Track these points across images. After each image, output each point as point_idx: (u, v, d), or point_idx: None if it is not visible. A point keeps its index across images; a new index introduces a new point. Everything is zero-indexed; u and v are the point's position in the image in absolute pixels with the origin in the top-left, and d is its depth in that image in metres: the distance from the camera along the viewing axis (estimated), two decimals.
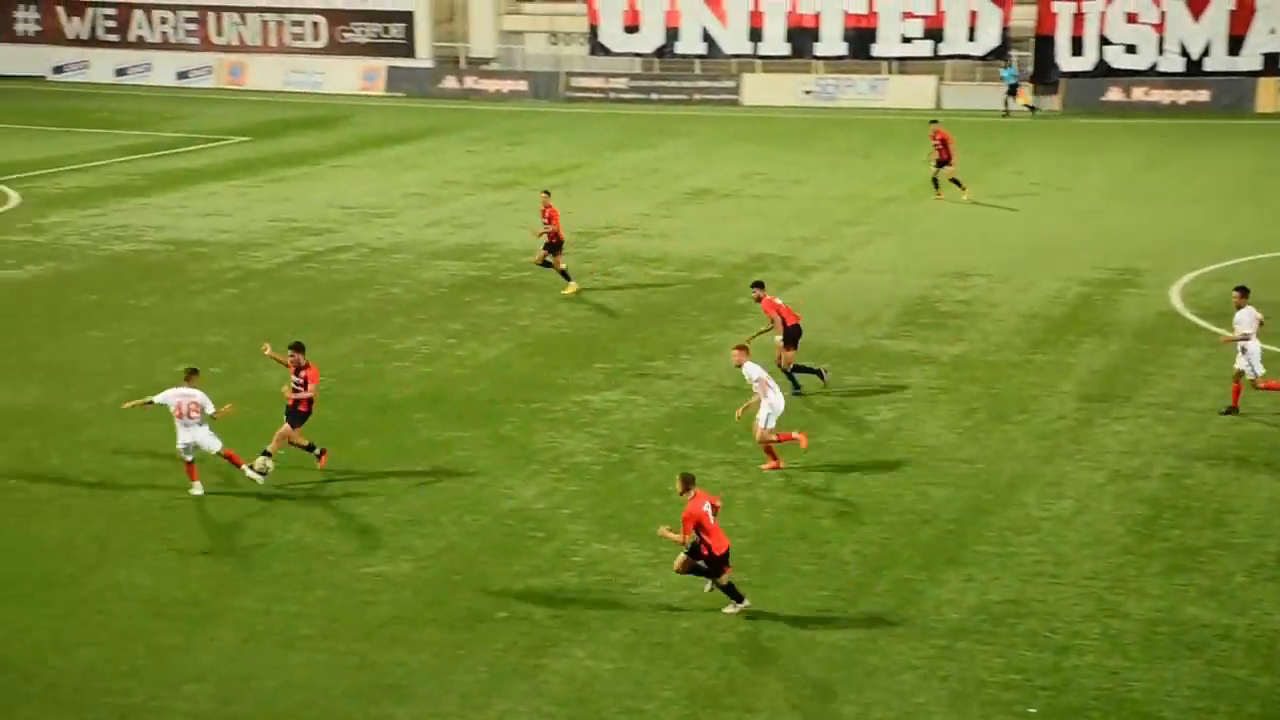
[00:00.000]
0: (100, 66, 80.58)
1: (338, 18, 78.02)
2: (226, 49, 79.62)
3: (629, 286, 37.05)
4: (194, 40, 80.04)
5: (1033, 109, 67.50)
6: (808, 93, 71.49)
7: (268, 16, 79.05)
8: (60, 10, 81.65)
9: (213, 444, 23.35)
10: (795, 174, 53.02)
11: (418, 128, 64.95)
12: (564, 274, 36.01)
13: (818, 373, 28.63)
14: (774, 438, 24.32)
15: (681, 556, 19.51)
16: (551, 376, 29.45)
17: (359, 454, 25.05)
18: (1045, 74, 69.17)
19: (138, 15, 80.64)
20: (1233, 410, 26.83)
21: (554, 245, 35.68)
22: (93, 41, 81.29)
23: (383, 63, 77.13)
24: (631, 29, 74.11)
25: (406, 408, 27.66)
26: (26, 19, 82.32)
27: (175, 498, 23.17)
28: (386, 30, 77.58)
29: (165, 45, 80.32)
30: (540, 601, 19.88)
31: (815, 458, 24.97)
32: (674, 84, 73.72)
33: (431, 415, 27.25)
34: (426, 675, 18.02)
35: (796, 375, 28.28)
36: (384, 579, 20.45)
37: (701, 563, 19.35)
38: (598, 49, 74.92)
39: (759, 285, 29.13)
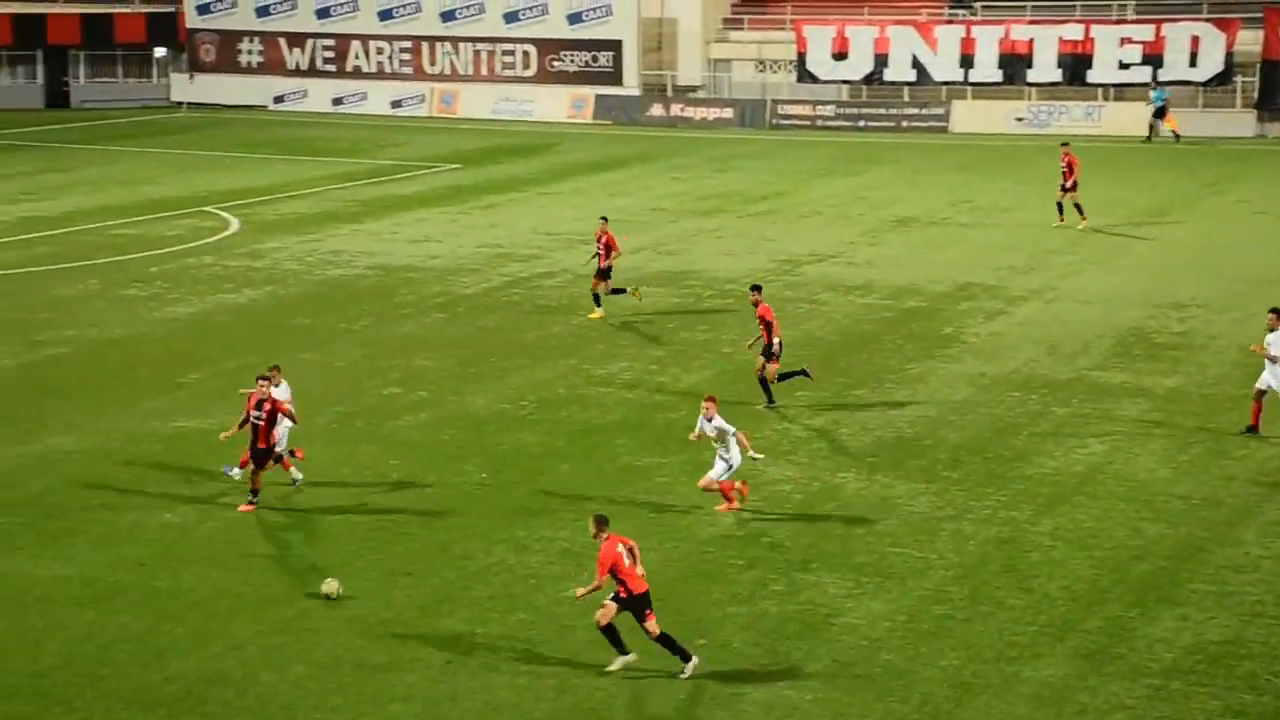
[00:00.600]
0: (318, 96, 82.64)
1: (547, 47, 79.01)
2: (439, 78, 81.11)
3: (832, 314, 36.81)
4: (408, 70, 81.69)
5: (1178, 136, 65.55)
6: (1019, 120, 70.49)
7: (479, 46, 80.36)
8: (282, 42, 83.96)
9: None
10: (1004, 202, 52.25)
11: (624, 155, 65.40)
12: (596, 298, 36.42)
13: (802, 373, 29.34)
14: (715, 485, 23.72)
15: (607, 604, 18.56)
16: (753, 403, 29.34)
17: (560, 478, 25.20)
18: (1271, 100, 67.16)
19: (355, 46, 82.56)
20: (1253, 430, 26.86)
21: (604, 271, 36.18)
22: (311, 72, 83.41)
23: (591, 91, 77.89)
24: (840, 56, 73.83)
25: (608, 433, 27.77)
26: (250, 51, 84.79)
27: (382, 520, 23.53)
28: (595, 59, 78.34)
29: (380, 75, 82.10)
30: (739, 629, 19.77)
31: (1023, 490, 24.49)
32: (882, 111, 73.25)
33: (632, 441, 27.32)
34: (625, 700, 18.00)
35: (778, 385, 29.05)
36: (584, 603, 20.50)
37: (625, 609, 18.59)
38: (805, 76, 74.78)
39: (757, 289, 29.57)
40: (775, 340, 28.88)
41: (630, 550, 18.73)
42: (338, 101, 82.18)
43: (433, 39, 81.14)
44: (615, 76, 78.04)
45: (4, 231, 46.59)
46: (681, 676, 18.36)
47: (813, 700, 17.99)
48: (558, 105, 78.02)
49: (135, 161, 63.89)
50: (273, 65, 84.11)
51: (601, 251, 36.16)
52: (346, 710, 17.73)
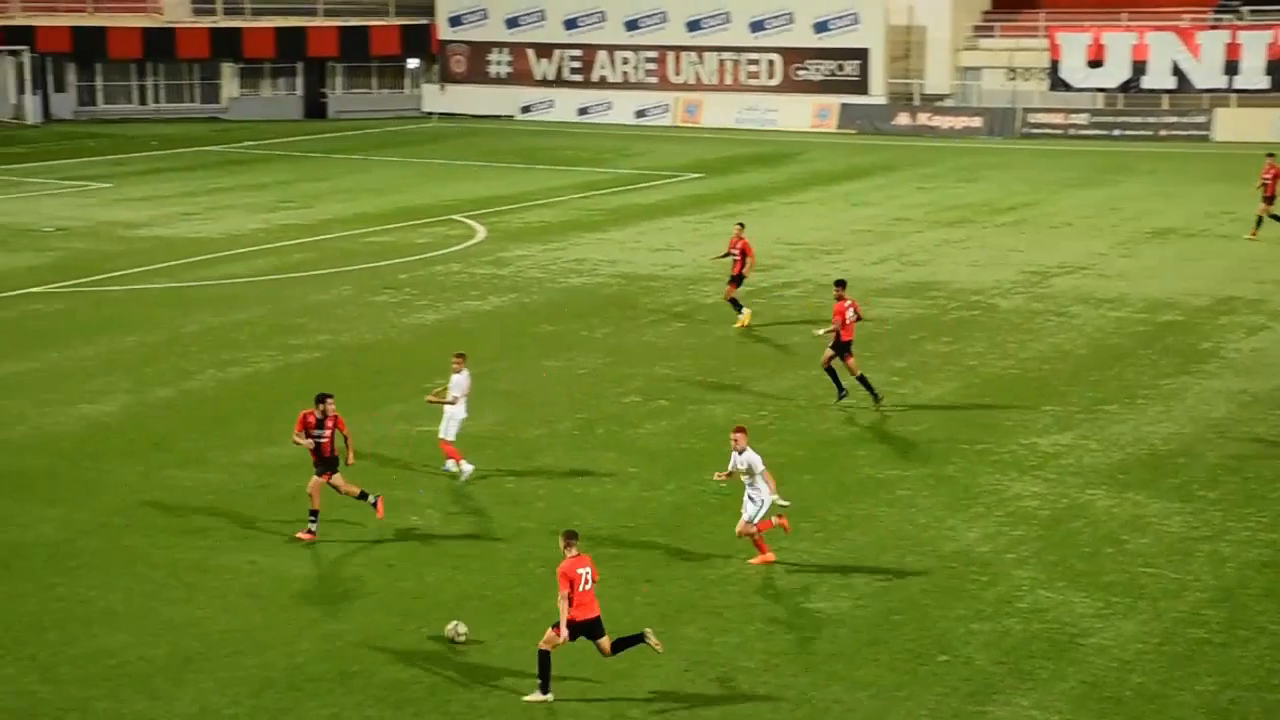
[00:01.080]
0: (564, 105, 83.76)
1: (792, 56, 78.86)
2: (683, 87, 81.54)
3: (1083, 327, 35.94)
4: (653, 79, 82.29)
5: None
6: None
7: (725, 56, 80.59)
8: (530, 53, 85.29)
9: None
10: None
11: (869, 164, 64.87)
12: (735, 304, 36.27)
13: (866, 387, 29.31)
14: (754, 530, 21.90)
15: (560, 631, 17.90)
16: (998, 418, 28.78)
17: (800, 489, 25.00)
18: None
19: (601, 56, 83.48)
20: None
21: (737, 277, 35.98)
22: (558, 82, 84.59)
23: (835, 100, 77.51)
24: (1095, 64, 72.31)
25: (848, 444, 27.49)
26: (499, 61, 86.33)
27: (623, 525, 23.62)
28: (840, 68, 77.95)
29: (625, 85, 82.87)
30: (983, 647, 19.35)
31: None
32: (1139, 120, 71.51)
33: (873, 453, 26.99)
34: (865, 715, 17.75)
35: (834, 379, 29.37)
36: (823, 616, 20.30)
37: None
38: (1058, 84, 73.42)
39: (841, 284, 29.76)
40: (848, 340, 29.23)
41: (593, 576, 18.10)
42: (583, 111, 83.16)
43: (678, 48, 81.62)
44: (861, 85, 77.54)
45: (263, 239, 48.09)
46: (525, 698, 17.86)
47: None
48: (802, 114, 77.80)
49: (388, 170, 65.43)
50: (521, 76, 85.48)
51: (738, 257, 35.87)
52: (588, 715, 17.79)
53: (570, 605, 17.92)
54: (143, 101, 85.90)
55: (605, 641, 18.29)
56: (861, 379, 29.35)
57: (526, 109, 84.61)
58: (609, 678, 18.63)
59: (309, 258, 45.06)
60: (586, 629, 18.17)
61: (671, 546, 22.81)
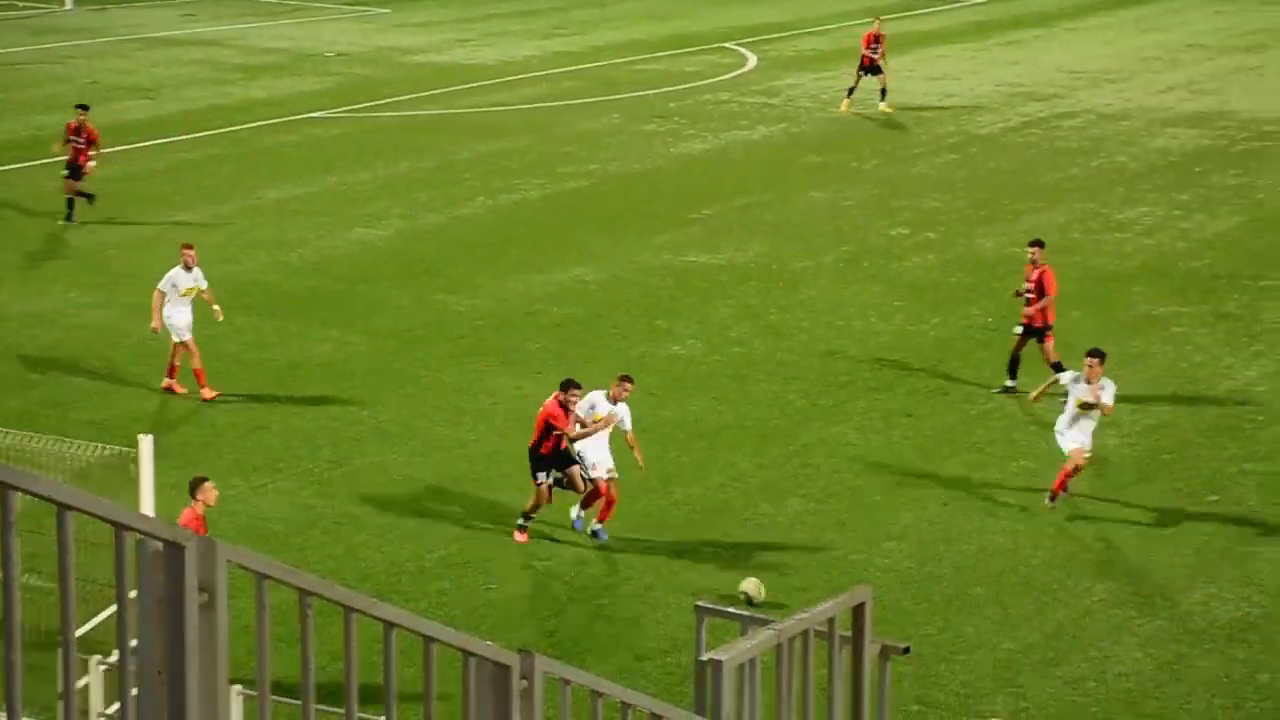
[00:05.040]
0: None
1: None
2: None
3: None
4: None
5: None
6: None
7: None
8: None
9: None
10: None
11: None
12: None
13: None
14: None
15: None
16: None
17: (1070, 325, 24.38)
18: None
19: None
20: None
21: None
22: None
23: None
24: None
25: (1124, 280, 26.71)
26: None
27: (883, 364, 23.39)
28: None
29: None
30: (1255, 488, 18.78)
31: None
32: None
33: (1150, 289, 26.18)
34: (1128, 553, 17.44)
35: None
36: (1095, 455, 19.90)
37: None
38: None
39: (1038, 244, 22.21)
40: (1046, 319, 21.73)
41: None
42: None
43: None
44: None
45: (535, 66, 48.39)
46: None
47: None
48: None
49: None
50: None
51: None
52: (841, 545, 17.83)
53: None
54: None
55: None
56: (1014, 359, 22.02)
57: None
58: (867, 510, 18.61)
59: (579, 86, 45.22)
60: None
61: (933, 381, 22.55)
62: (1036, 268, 21.80)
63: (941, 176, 34.18)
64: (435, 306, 25.94)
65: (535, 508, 17.74)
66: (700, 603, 8.49)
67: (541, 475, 17.60)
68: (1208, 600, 16.44)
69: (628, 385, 18.11)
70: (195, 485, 15.13)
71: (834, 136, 38.16)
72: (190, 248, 22.22)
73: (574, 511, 17.97)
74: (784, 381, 22.65)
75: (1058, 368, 20.80)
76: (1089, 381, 17.90)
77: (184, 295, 21.76)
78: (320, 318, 25.35)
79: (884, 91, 39.97)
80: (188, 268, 21.94)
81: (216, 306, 22.11)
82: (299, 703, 5.63)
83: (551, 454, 17.54)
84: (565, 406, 17.56)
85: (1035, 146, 36.46)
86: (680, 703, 11.07)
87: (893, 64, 45.82)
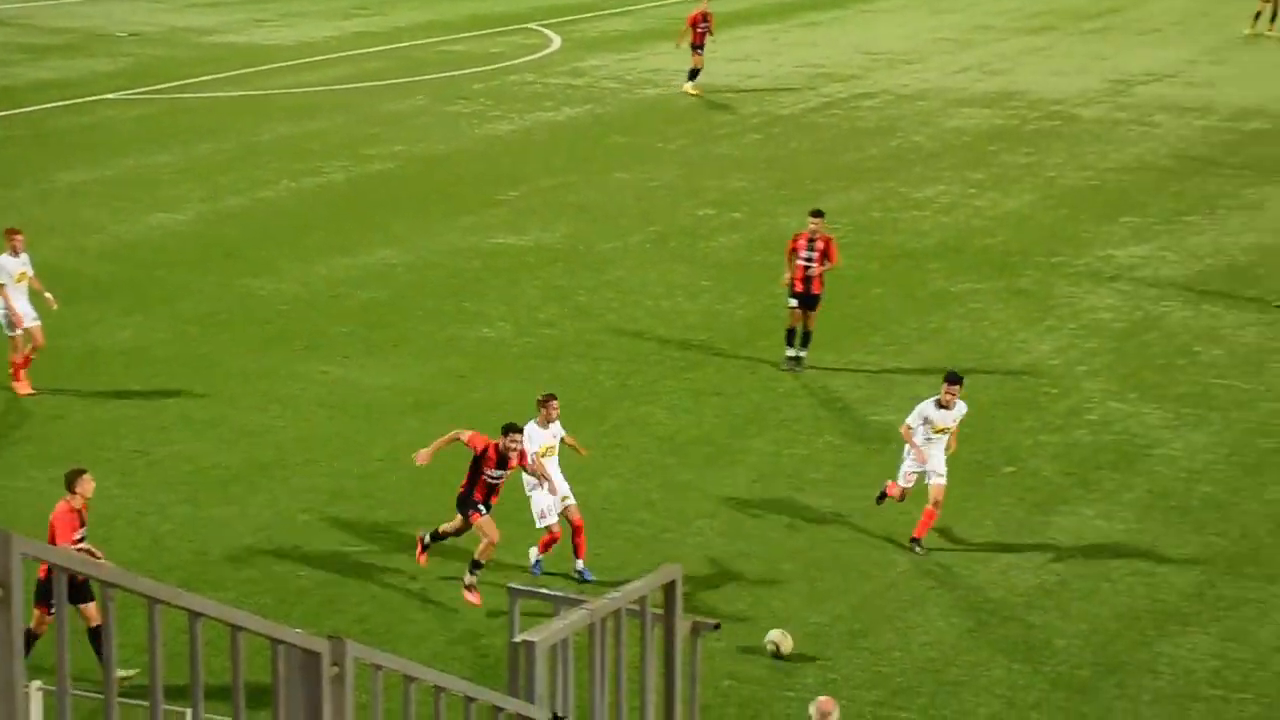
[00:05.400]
0: None
1: None
2: None
3: (1165, 136, 35.28)
4: None
5: None
6: None
7: None
8: None
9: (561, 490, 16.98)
10: None
11: None
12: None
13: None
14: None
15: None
16: (1075, 230, 28.43)
17: (870, 303, 24.89)
18: None
19: None
20: None
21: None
22: None
23: None
24: None
25: (921, 257, 27.29)
26: None
27: (691, 343, 23.62)
28: None
29: None
30: (1051, 459, 19.36)
31: None
32: None
33: (947, 265, 26.79)
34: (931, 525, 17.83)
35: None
36: (891, 427, 20.26)
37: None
38: None
39: (818, 214, 22.10)
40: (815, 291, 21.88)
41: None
42: None
43: None
44: None
45: (337, 46, 47.84)
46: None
47: (1125, 530, 17.56)
48: None
49: None
50: None
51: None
52: (652, 524, 17.99)
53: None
54: None
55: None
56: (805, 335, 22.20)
57: None
58: (678, 489, 18.80)
59: (383, 66, 44.80)
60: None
61: (740, 362, 22.82)
62: (818, 237, 21.97)
63: (745, 156, 34.55)
64: (239, 291, 25.56)
65: (490, 546, 16.03)
66: (513, 585, 8.53)
67: (481, 509, 16.13)
68: (1006, 569, 16.91)
69: (554, 404, 16.99)
70: (73, 478, 14.69)
71: (639, 118, 38.34)
72: (18, 232, 21.50)
73: (533, 554, 16.78)
74: (593, 362, 22.76)
75: (807, 339, 21.79)
76: (946, 407, 17.41)
77: (18, 282, 21.12)
78: (120, 304, 24.84)
79: (694, 73, 40.26)
80: (15, 252, 21.28)
81: (49, 295, 21.50)
82: (103, 697, 5.56)
83: (484, 499, 16.22)
84: (506, 453, 16.09)
85: (835, 127, 37.03)
86: (495, 685, 11.11)
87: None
